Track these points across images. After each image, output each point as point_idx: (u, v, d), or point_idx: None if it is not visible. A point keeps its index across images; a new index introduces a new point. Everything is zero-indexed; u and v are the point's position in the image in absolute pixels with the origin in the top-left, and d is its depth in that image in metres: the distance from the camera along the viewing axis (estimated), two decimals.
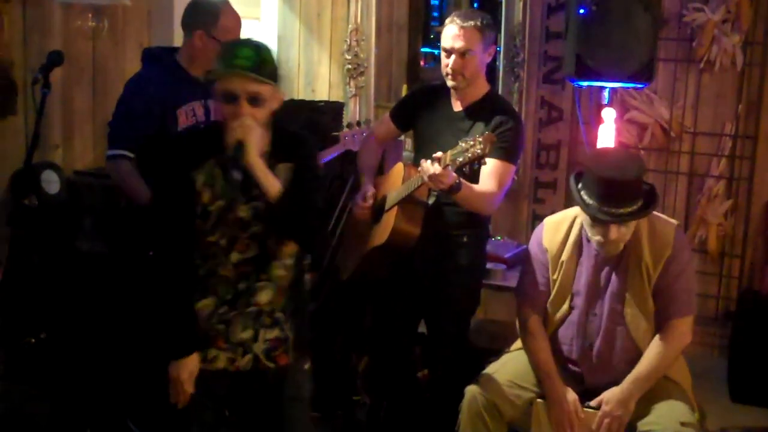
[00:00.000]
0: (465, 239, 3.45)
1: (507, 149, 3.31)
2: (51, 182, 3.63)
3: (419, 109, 3.56)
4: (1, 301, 3.50)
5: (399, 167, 3.53)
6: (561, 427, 3.03)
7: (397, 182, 3.47)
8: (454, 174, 3.06)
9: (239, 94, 2.52)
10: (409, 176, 3.40)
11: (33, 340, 3.43)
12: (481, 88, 3.44)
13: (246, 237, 2.65)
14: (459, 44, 3.30)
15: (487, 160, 3.11)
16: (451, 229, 3.43)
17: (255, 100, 2.54)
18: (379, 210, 3.52)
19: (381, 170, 3.86)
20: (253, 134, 2.51)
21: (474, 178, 3.23)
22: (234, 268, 2.67)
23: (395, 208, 3.38)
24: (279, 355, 2.76)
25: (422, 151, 3.44)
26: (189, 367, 2.67)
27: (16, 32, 3.84)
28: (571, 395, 3.03)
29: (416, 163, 3.39)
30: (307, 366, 2.87)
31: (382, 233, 3.41)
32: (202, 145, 2.67)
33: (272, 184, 2.53)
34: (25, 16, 3.87)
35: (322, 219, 2.77)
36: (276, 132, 2.68)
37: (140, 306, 3.46)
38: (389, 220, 3.40)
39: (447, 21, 3.38)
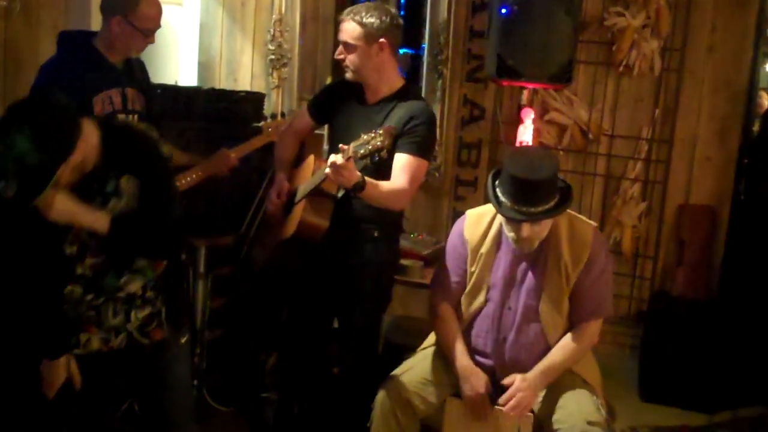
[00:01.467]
0: (375, 234, 3.42)
1: (418, 144, 3.30)
2: None
3: (335, 102, 3.55)
4: None
5: (310, 160, 3.52)
6: (474, 411, 3.04)
7: (307, 175, 3.47)
8: (358, 173, 3.06)
9: None
10: (318, 169, 3.39)
11: None
12: (394, 82, 3.44)
13: (97, 243, 2.60)
14: (342, 36, 3.35)
15: (399, 155, 3.14)
16: (361, 223, 3.40)
17: None
18: (290, 203, 3.50)
19: (299, 164, 3.83)
20: (55, 202, 2.40)
21: (386, 173, 3.23)
22: (91, 268, 2.63)
23: (303, 200, 3.37)
24: (153, 330, 2.74)
25: (335, 144, 3.43)
26: (63, 366, 2.66)
27: None
28: (483, 375, 3.05)
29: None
30: (183, 340, 2.84)
31: (290, 226, 3.39)
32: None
33: (98, 223, 2.49)
34: None
35: (176, 229, 2.69)
36: (107, 135, 2.54)
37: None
38: (296, 213, 3.38)
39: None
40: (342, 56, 3.38)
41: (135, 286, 2.68)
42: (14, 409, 3.31)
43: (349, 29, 3.33)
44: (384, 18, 3.39)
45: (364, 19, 3.33)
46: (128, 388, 2.96)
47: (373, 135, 2.95)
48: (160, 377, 2.81)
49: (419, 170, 3.29)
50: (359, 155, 2.97)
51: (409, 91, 3.49)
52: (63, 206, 2.44)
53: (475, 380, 3.05)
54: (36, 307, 2.64)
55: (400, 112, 3.34)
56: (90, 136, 2.46)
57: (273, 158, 3.82)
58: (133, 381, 2.90)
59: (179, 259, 2.84)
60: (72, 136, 2.38)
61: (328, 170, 3.05)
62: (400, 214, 3.59)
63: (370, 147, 2.95)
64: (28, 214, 2.50)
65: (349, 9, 3.39)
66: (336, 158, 3.01)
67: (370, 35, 3.35)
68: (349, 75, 3.41)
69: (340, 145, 3.05)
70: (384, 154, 3.00)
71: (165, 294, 2.75)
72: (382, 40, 3.35)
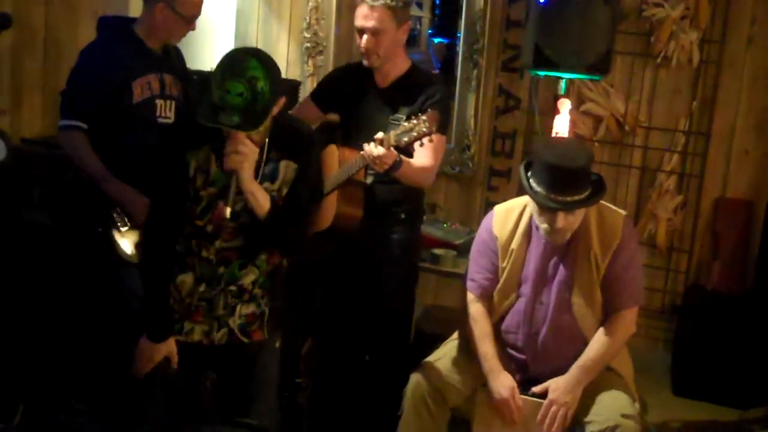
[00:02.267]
0: (402, 215, 3.50)
1: (445, 121, 3.42)
2: None
3: (342, 89, 3.58)
4: None
5: (332, 150, 3.49)
6: (499, 413, 3.04)
7: (332, 165, 3.45)
8: (395, 153, 3.09)
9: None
10: (344, 158, 3.39)
11: None
12: (403, 63, 3.47)
13: (233, 227, 2.66)
14: (370, 23, 3.33)
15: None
16: (388, 207, 3.45)
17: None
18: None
19: None
20: (246, 163, 2.53)
21: (406, 151, 3.25)
22: (217, 253, 2.69)
23: (335, 191, 3.38)
24: (254, 331, 2.77)
25: (353, 131, 3.47)
26: (165, 350, 2.70)
27: None
28: (509, 381, 3.05)
29: (349, 144, 3.42)
30: (277, 343, 2.87)
31: (324, 217, 3.40)
32: (199, 128, 2.63)
33: (261, 205, 2.57)
34: None
35: (306, 228, 2.78)
36: (279, 124, 2.67)
37: (83, 281, 3.42)
38: (330, 204, 3.39)
39: (358, 0, 3.37)
40: (370, 45, 3.35)
41: (249, 279, 2.73)
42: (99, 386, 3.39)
43: (378, 15, 3.32)
44: (406, 0, 3.41)
45: (391, 2, 3.33)
46: (220, 383, 2.98)
47: (415, 122, 2.98)
48: (251, 377, 2.84)
49: (440, 146, 3.37)
50: (403, 143, 2.99)
51: (418, 70, 3.51)
52: (251, 173, 2.55)
53: (501, 385, 3.05)
54: (153, 285, 2.69)
55: (414, 93, 3.36)
56: (279, 107, 2.62)
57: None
58: (224, 378, 2.93)
59: (282, 262, 2.87)
60: (282, 86, 2.59)
61: (369, 160, 3.08)
62: (422, 198, 3.67)
63: (414, 134, 2.98)
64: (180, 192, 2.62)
65: None
66: (377, 150, 3.02)
67: (398, 17, 3.36)
68: (373, 62, 3.39)
69: (377, 135, 3.06)
70: (431, 139, 3.03)
71: (270, 295, 2.79)
72: (408, 20, 3.38)
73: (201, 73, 4.37)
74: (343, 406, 3.72)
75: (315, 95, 3.69)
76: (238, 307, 2.73)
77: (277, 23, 5.33)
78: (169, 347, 2.70)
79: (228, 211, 2.57)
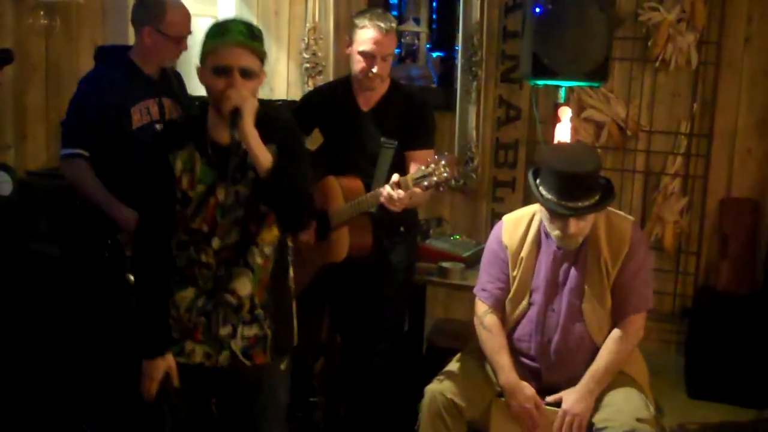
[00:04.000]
0: (401, 229, 3.56)
1: (429, 134, 3.48)
2: (3, 183, 3.57)
3: (321, 111, 3.58)
4: None
5: (332, 182, 3.50)
6: (521, 422, 3.04)
7: (334, 197, 3.47)
8: (408, 195, 3.12)
9: (233, 67, 2.52)
10: (347, 188, 3.41)
11: None
12: (386, 81, 3.48)
13: (227, 222, 2.63)
14: (384, 49, 3.36)
15: (417, 151, 3.30)
16: (388, 221, 3.47)
17: (247, 74, 2.54)
18: (322, 226, 3.52)
19: None
20: (248, 103, 2.51)
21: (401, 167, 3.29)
22: (215, 254, 2.64)
23: (345, 225, 3.42)
24: (256, 354, 2.72)
25: (343, 156, 3.48)
26: (162, 365, 2.65)
27: None
28: (529, 390, 3.05)
29: (342, 170, 3.47)
30: (284, 366, 2.82)
31: (337, 250, 3.43)
32: (180, 131, 2.66)
33: (265, 155, 2.51)
34: None
35: (310, 191, 2.70)
36: (259, 109, 2.63)
37: (95, 307, 3.42)
38: (342, 237, 3.41)
39: (365, 24, 3.38)
40: (382, 70, 3.37)
41: (243, 286, 2.67)
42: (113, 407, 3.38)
43: (390, 40, 3.37)
44: (394, 18, 3.45)
45: (394, 25, 3.37)
46: (222, 408, 2.95)
47: (434, 166, 2.98)
48: (256, 401, 2.79)
49: None
50: (423, 186, 3.00)
51: (399, 86, 3.54)
52: (254, 132, 2.50)
53: (521, 396, 3.04)
54: (145, 301, 2.67)
55: (399, 111, 3.39)
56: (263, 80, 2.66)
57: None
58: (228, 401, 2.88)
59: (286, 280, 2.83)
60: None
61: (387, 203, 3.13)
62: (416, 209, 3.72)
63: (435, 179, 2.98)
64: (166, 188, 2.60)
65: (371, 21, 3.36)
66: (397, 194, 3.07)
67: (396, 40, 3.40)
68: (376, 86, 3.42)
69: (394, 179, 3.08)
70: (451, 181, 3.04)
71: (273, 317, 2.74)
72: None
73: (203, 98, 4.40)
74: (359, 423, 3.71)
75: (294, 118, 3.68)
76: (240, 329, 2.69)
77: (276, 45, 5.36)
78: (168, 362, 2.65)
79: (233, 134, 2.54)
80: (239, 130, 2.48)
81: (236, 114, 2.48)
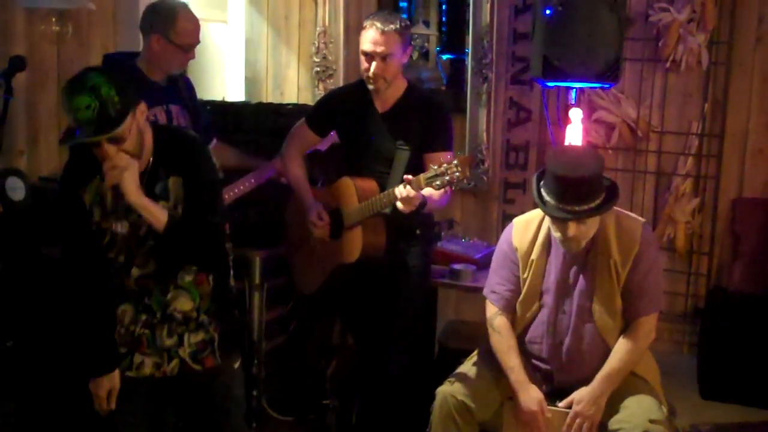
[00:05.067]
0: (417, 231, 3.56)
1: (448, 138, 3.48)
2: (16, 189, 3.58)
3: (339, 113, 3.59)
4: None
5: (347, 182, 3.50)
6: (527, 427, 3.04)
7: (349, 198, 3.47)
8: (421, 194, 3.15)
9: (98, 141, 2.44)
10: (361, 189, 3.42)
11: None
12: (401, 84, 3.50)
13: (143, 252, 2.64)
14: (381, 49, 3.35)
15: (436, 154, 3.25)
16: (404, 224, 3.48)
17: (116, 140, 2.45)
18: (335, 226, 3.52)
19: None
20: (126, 175, 2.46)
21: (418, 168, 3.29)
22: (137, 282, 2.66)
23: (359, 225, 3.43)
24: (206, 358, 2.74)
25: (358, 158, 3.49)
26: (108, 384, 2.68)
27: None
28: (536, 392, 3.05)
29: (356, 171, 3.48)
30: (236, 365, 2.85)
31: (350, 250, 3.44)
32: (86, 164, 2.60)
33: (158, 219, 2.52)
34: None
35: (217, 235, 2.69)
36: (160, 138, 2.62)
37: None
38: (355, 237, 3.42)
39: (366, 24, 3.41)
40: (379, 70, 3.38)
41: (184, 305, 2.69)
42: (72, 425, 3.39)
43: (388, 40, 3.35)
44: (408, 24, 3.45)
45: (398, 26, 3.36)
46: (180, 414, 2.97)
47: (446, 166, 2.98)
48: (213, 404, 2.82)
49: None
50: (435, 186, 3.01)
51: (416, 90, 3.55)
52: (134, 186, 2.47)
53: (528, 397, 3.04)
54: (85, 321, 2.68)
55: (417, 115, 3.41)
56: (144, 113, 2.54)
57: (321, 167, 3.87)
58: (185, 408, 2.90)
59: (228, 282, 2.84)
60: (135, 94, 2.50)
61: (400, 205, 3.14)
62: (432, 213, 3.70)
63: (447, 178, 2.99)
64: (80, 220, 2.59)
65: (371, 21, 3.38)
66: (407, 191, 3.07)
67: (404, 42, 3.41)
68: (380, 87, 3.42)
69: (407, 177, 3.09)
70: (465, 182, 3.07)
71: (218, 320, 2.75)
72: (410, 44, 3.42)
73: (214, 103, 4.42)
74: (371, 424, 3.72)
75: (310, 120, 3.68)
76: (186, 336, 2.70)
77: (286, 49, 5.38)
78: (113, 381, 2.68)
79: (120, 225, 2.57)
80: (129, 203, 2.50)
81: (117, 190, 2.49)
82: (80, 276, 2.67)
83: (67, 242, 2.71)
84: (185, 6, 3.44)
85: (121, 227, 2.61)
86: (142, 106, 2.52)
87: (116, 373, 2.69)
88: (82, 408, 3.30)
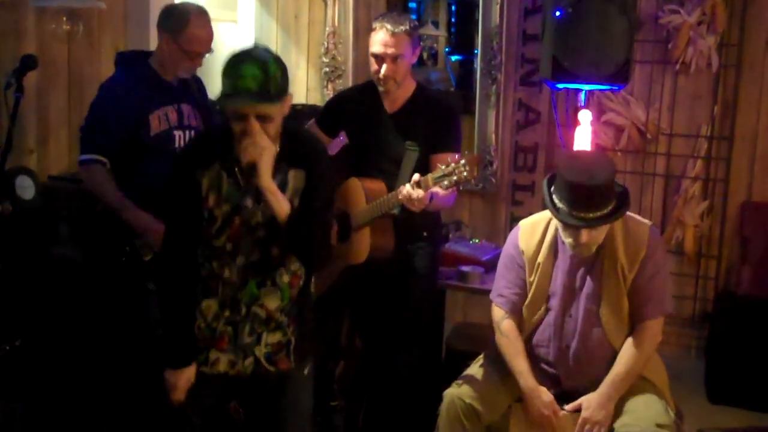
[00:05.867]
0: (425, 233, 3.57)
1: (456, 139, 3.48)
2: (25, 188, 3.59)
3: (348, 114, 3.60)
4: None
5: (354, 183, 3.51)
6: (539, 427, 3.04)
7: (357, 199, 3.48)
8: (429, 194, 3.15)
9: (248, 114, 2.46)
10: (369, 190, 3.42)
11: (7, 348, 3.40)
12: (410, 85, 3.51)
13: (251, 241, 2.63)
14: (391, 50, 3.37)
15: (444, 154, 3.23)
16: (411, 226, 3.49)
17: (264, 119, 2.48)
18: (343, 228, 3.53)
19: None
20: (265, 155, 2.47)
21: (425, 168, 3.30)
22: (239, 272, 2.64)
23: (367, 226, 3.43)
24: (280, 359, 2.72)
25: (366, 158, 3.50)
26: (186, 375, 2.67)
27: None
28: (547, 395, 3.04)
29: (365, 171, 3.49)
30: (307, 370, 2.81)
31: (358, 251, 3.44)
32: (208, 148, 2.64)
33: (282, 207, 2.50)
34: None
35: (327, 236, 2.69)
36: (286, 133, 2.63)
37: (114, 312, 3.45)
38: (363, 238, 3.42)
39: (376, 26, 3.42)
40: (390, 72, 3.38)
41: (272, 302, 2.67)
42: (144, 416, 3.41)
43: (399, 41, 3.36)
44: (417, 25, 3.46)
45: (407, 27, 3.37)
46: (249, 414, 2.97)
47: (454, 165, 2.98)
48: (282, 407, 2.79)
49: None
50: (443, 186, 3.01)
51: (425, 90, 3.55)
52: (269, 168, 2.48)
53: (539, 401, 3.04)
54: (170, 313, 2.68)
55: (426, 116, 3.41)
56: (289, 105, 2.59)
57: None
58: (252, 407, 2.89)
59: (309, 286, 2.83)
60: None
61: (407, 203, 3.15)
62: (440, 213, 3.72)
63: (455, 178, 2.99)
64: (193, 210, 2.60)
65: (381, 23, 3.39)
66: (416, 193, 3.08)
67: (414, 43, 3.42)
68: (390, 88, 3.43)
69: (415, 177, 3.09)
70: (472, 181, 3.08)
71: (296, 322, 2.74)
72: (419, 45, 3.43)
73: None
74: (378, 426, 3.72)
75: (320, 120, 3.69)
76: (264, 336, 2.69)
77: (295, 50, 5.38)
78: (190, 374, 2.67)
79: (250, 201, 2.56)
80: (256, 184, 2.49)
81: (252, 170, 2.47)
82: (174, 264, 2.67)
83: (171, 226, 2.70)
84: (201, 14, 3.42)
85: (249, 203, 2.60)
86: (289, 98, 2.57)
87: (193, 367, 2.69)
88: (95, 404, 3.34)
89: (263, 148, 2.46)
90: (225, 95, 2.47)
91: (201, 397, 2.73)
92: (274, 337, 2.70)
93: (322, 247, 2.68)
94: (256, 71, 2.43)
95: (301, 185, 2.62)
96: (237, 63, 2.46)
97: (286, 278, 2.69)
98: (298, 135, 2.70)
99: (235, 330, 2.68)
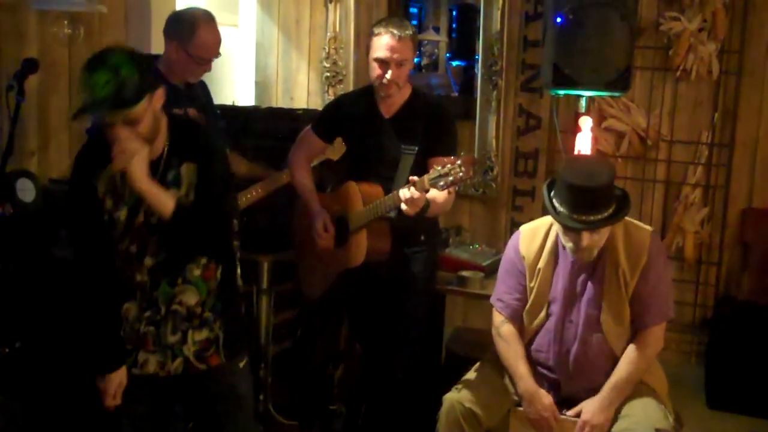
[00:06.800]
0: (422, 237, 3.55)
1: (453, 143, 3.47)
2: (26, 190, 3.59)
3: (345, 119, 3.59)
4: None
5: (352, 187, 3.51)
6: (539, 431, 3.04)
7: (353, 203, 3.48)
8: (425, 197, 3.14)
9: (112, 122, 2.42)
10: (366, 193, 3.42)
11: (7, 350, 3.40)
12: (406, 90, 3.50)
13: (156, 241, 2.62)
14: (397, 55, 3.36)
15: (439, 158, 3.20)
16: (409, 230, 3.49)
17: (131, 122, 2.43)
18: (341, 232, 3.52)
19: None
20: (135, 159, 2.44)
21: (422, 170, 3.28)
22: (149, 273, 2.64)
23: (363, 229, 3.42)
24: (211, 356, 2.73)
25: (364, 162, 3.50)
26: (117, 379, 2.67)
27: None
28: (547, 398, 3.05)
29: (362, 176, 3.48)
30: (242, 364, 2.82)
31: (355, 255, 3.44)
32: (100, 152, 2.56)
33: (165, 205, 2.50)
34: (0, 22, 3.83)
35: (227, 225, 2.67)
36: (176, 126, 2.61)
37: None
38: (360, 241, 3.42)
39: (380, 31, 3.40)
40: (395, 77, 3.39)
41: (190, 299, 2.67)
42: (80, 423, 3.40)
43: (404, 46, 3.36)
44: (414, 26, 3.47)
45: (411, 32, 3.39)
46: (188, 413, 2.96)
47: (450, 166, 2.98)
48: (218, 403, 2.80)
49: None
50: (439, 187, 3.01)
51: (421, 94, 3.56)
52: (142, 171, 2.45)
53: (539, 404, 3.04)
54: (94, 317, 2.67)
55: (422, 120, 3.42)
56: (161, 99, 2.52)
57: (330, 173, 3.87)
58: (192, 407, 2.90)
59: (234, 280, 2.82)
60: (155, 79, 2.50)
61: (404, 207, 3.14)
62: (438, 218, 3.70)
63: (451, 179, 2.99)
64: (92, 210, 2.57)
65: (386, 28, 3.38)
66: (411, 193, 3.08)
67: (416, 47, 3.42)
68: (393, 93, 3.43)
69: (411, 178, 3.10)
70: (468, 182, 3.07)
71: (222, 318, 2.74)
72: (417, 49, 3.45)
73: (224, 107, 4.43)
74: (377, 430, 3.72)
75: (317, 127, 3.68)
76: (190, 334, 2.68)
77: (296, 54, 5.39)
78: (120, 378, 2.66)
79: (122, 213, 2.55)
80: (134, 190, 2.48)
81: (126, 175, 2.46)
82: (89, 270, 2.65)
83: (76, 234, 2.68)
84: (209, 20, 3.42)
85: (122, 214, 2.59)
86: (160, 92, 2.50)
87: (123, 370, 2.68)
88: (88, 407, 3.33)
89: (132, 152, 2.43)
90: (81, 109, 2.41)
91: (133, 401, 2.73)
92: (201, 335, 2.70)
93: (220, 241, 2.67)
94: (108, 77, 2.35)
95: (195, 178, 2.60)
96: (88, 72, 2.39)
97: (197, 272, 2.68)
98: (187, 127, 2.67)
99: (158, 329, 2.68)
